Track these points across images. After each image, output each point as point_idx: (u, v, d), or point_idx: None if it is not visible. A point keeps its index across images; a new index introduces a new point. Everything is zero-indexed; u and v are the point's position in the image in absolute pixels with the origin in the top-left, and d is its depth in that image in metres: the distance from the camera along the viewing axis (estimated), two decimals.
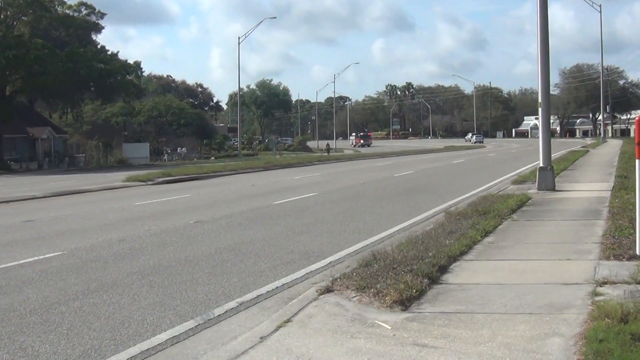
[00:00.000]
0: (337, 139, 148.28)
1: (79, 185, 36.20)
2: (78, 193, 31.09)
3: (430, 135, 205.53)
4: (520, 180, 26.68)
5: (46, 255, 13.38)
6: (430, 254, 10.80)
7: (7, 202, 27.07)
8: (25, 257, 13.24)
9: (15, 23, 70.50)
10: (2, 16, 68.75)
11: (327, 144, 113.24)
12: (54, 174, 57.15)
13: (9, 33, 66.64)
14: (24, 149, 72.37)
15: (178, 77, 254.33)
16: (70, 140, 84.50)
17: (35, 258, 13.16)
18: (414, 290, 8.76)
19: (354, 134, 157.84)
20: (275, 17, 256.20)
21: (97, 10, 79.96)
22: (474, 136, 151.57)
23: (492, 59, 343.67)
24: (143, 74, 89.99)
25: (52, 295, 10.09)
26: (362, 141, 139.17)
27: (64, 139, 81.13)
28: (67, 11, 76.95)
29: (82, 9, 78.66)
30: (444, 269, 10.24)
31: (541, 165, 22.65)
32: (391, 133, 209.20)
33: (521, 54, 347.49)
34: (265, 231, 15.97)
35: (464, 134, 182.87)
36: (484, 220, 14.70)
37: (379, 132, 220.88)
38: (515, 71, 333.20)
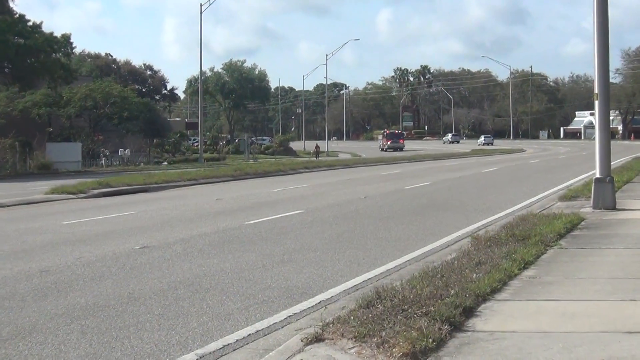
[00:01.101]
0: (330, 138, 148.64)
1: None
2: None
3: (452, 135, 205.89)
4: (571, 195, 26.74)
5: None
6: (452, 291, 10.80)
7: None
8: None
9: None
10: None
11: (317, 146, 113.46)
12: None
13: None
14: None
15: (120, 56, 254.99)
16: None
17: None
18: (431, 340, 8.75)
19: (383, 132, 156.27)
20: None
21: None
22: (452, 136, 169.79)
23: (535, 36, 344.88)
24: (74, 51, 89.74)
25: None
26: (390, 142, 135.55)
27: None
28: None
29: None
30: (470, 312, 10.24)
31: (598, 176, 22.68)
32: (401, 131, 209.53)
33: (573, 29, 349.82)
34: (234, 260, 15.96)
35: (497, 134, 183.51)
36: (522, 247, 14.72)
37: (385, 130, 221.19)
38: (565, 52, 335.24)
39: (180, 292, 12.89)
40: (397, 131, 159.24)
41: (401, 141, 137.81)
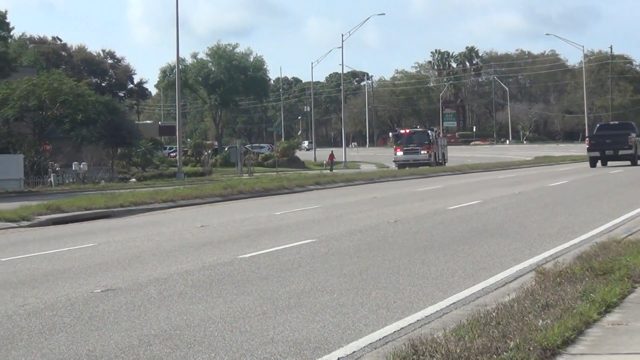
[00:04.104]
0: (348, 145, 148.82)
1: None
2: None
3: (509, 138, 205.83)
4: None
5: None
6: (512, 343, 10.83)
7: None
8: None
9: None
10: None
11: (331, 155, 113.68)
12: None
13: None
14: None
15: (72, 40, 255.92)
16: None
17: None
18: None
19: (391, 134, 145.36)
20: None
21: None
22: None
23: (617, 5, 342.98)
24: (12, 34, 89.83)
25: None
26: (402, 152, 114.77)
27: None
28: None
29: None
30: None
31: None
32: (442, 135, 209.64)
33: None
34: (225, 306, 16.01)
35: (567, 136, 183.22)
36: (603, 285, 14.73)
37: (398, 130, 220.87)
38: None
39: (156, 349, 12.92)
40: (415, 129, 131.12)
41: (425, 150, 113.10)
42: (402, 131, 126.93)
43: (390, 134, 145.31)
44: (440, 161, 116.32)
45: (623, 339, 11.80)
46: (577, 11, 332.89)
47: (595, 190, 45.82)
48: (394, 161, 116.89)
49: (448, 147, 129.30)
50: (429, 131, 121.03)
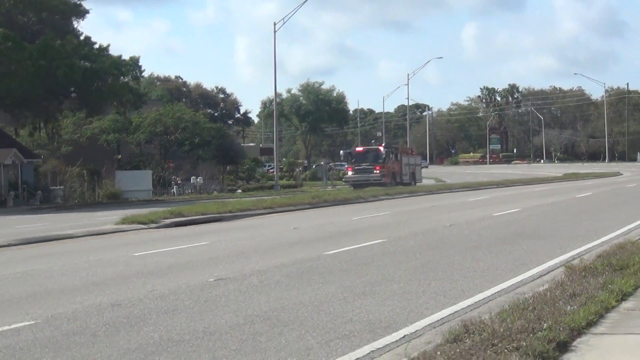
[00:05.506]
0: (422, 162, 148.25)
1: (56, 229, 36.65)
2: (55, 240, 31.39)
3: (543, 158, 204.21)
4: None
5: (13, 326, 13.56)
6: (545, 325, 10.77)
7: None
8: None
9: None
10: None
11: None
12: (22, 213, 57.97)
13: None
14: None
15: (191, 79, 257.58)
16: (44, 167, 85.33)
17: None
18: None
19: (342, 152, 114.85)
20: None
21: None
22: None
23: (633, 51, 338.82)
24: (143, 74, 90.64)
25: None
26: (353, 172, 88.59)
27: (36, 166, 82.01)
28: None
29: None
30: (564, 347, 10.19)
31: None
32: (488, 155, 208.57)
33: None
34: (313, 292, 16.03)
35: (591, 156, 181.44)
36: (620, 278, 14.59)
37: (471, 154, 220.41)
38: None
39: (257, 326, 12.98)
40: (367, 147, 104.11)
41: (378, 170, 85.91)
42: (355, 149, 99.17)
43: (341, 152, 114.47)
44: (407, 181, 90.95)
45: (637, 322, 11.70)
46: (600, 54, 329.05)
47: (614, 201, 45.31)
48: (343, 181, 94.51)
49: (492, 166, 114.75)
50: (381, 148, 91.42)
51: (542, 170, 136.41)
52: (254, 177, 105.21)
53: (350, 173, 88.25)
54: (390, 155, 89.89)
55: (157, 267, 21.16)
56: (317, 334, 12.29)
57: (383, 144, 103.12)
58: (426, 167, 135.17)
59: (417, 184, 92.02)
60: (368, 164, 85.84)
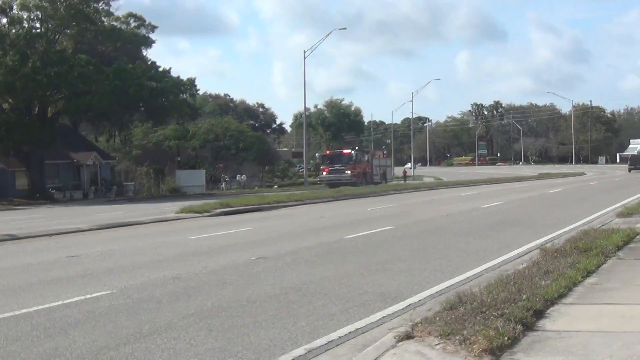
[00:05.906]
0: (415, 165, 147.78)
1: (128, 217, 36.79)
2: (127, 226, 31.58)
3: (521, 161, 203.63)
4: (627, 212, 26.23)
5: (93, 295, 13.63)
6: (524, 296, 10.72)
7: (50, 235, 27.53)
8: (70, 296, 13.52)
9: (57, 37, 70.41)
10: (43, 29, 68.94)
11: (404, 171, 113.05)
12: (101, 204, 58.37)
13: (50, 48, 67.09)
14: (67, 177, 73.92)
15: (236, 96, 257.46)
16: (118, 167, 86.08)
17: (82, 297, 13.42)
18: (506, 338, 8.70)
19: (317, 155, 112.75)
20: (345, 28, 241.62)
21: (147, 23, 78.94)
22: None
23: (595, 74, 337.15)
24: (198, 92, 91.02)
25: (101, 339, 10.26)
26: (328, 173, 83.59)
27: (112, 165, 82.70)
28: (114, 23, 75.45)
29: (131, 21, 77.54)
30: (539, 314, 10.15)
31: None
32: (477, 158, 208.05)
33: (629, 66, 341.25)
34: (335, 269, 16.02)
35: (560, 159, 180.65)
36: (585, 258, 14.50)
37: (463, 157, 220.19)
38: (621, 87, 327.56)
39: (290, 296, 12.99)
40: (339, 150, 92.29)
41: (349, 170, 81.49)
42: (330, 152, 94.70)
43: (317, 154, 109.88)
44: (378, 180, 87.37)
45: (598, 294, 11.63)
46: (569, 76, 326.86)
47: (580, 195, 45.05)
48: (319, 181, 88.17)
49: (480, 167, 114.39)
50: (353, 152, 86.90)
51: (521, 170, 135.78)
52: (287, 175, 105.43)
53: (324, 173, 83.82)
54: (361, 157, 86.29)
55: (209, 248, 21.19)
56: (339, 303, 12.28)
57: (357, 147, 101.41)
58: (414, 167, 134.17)
59: (388, 182, 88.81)
60: (341, 165, 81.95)
